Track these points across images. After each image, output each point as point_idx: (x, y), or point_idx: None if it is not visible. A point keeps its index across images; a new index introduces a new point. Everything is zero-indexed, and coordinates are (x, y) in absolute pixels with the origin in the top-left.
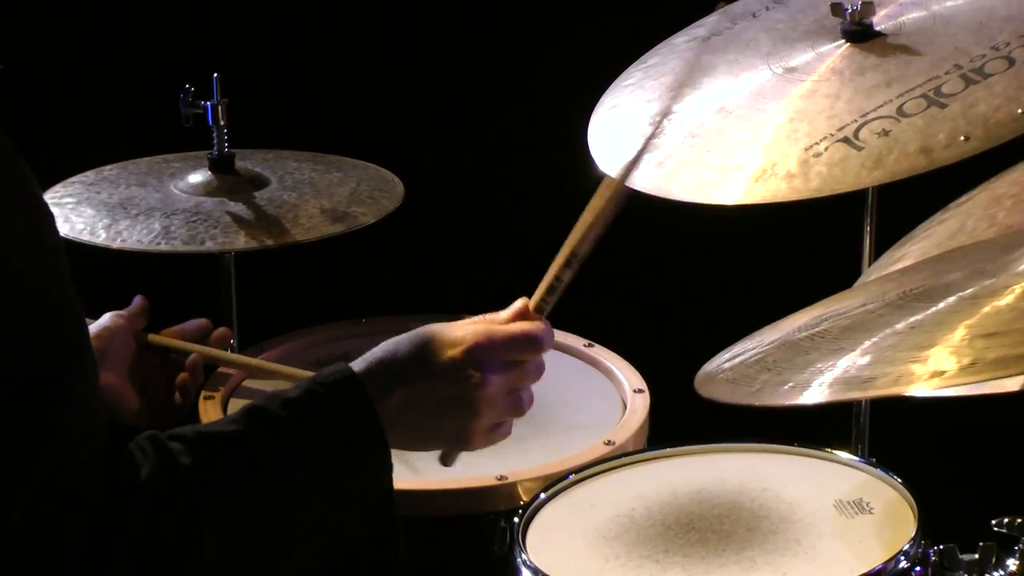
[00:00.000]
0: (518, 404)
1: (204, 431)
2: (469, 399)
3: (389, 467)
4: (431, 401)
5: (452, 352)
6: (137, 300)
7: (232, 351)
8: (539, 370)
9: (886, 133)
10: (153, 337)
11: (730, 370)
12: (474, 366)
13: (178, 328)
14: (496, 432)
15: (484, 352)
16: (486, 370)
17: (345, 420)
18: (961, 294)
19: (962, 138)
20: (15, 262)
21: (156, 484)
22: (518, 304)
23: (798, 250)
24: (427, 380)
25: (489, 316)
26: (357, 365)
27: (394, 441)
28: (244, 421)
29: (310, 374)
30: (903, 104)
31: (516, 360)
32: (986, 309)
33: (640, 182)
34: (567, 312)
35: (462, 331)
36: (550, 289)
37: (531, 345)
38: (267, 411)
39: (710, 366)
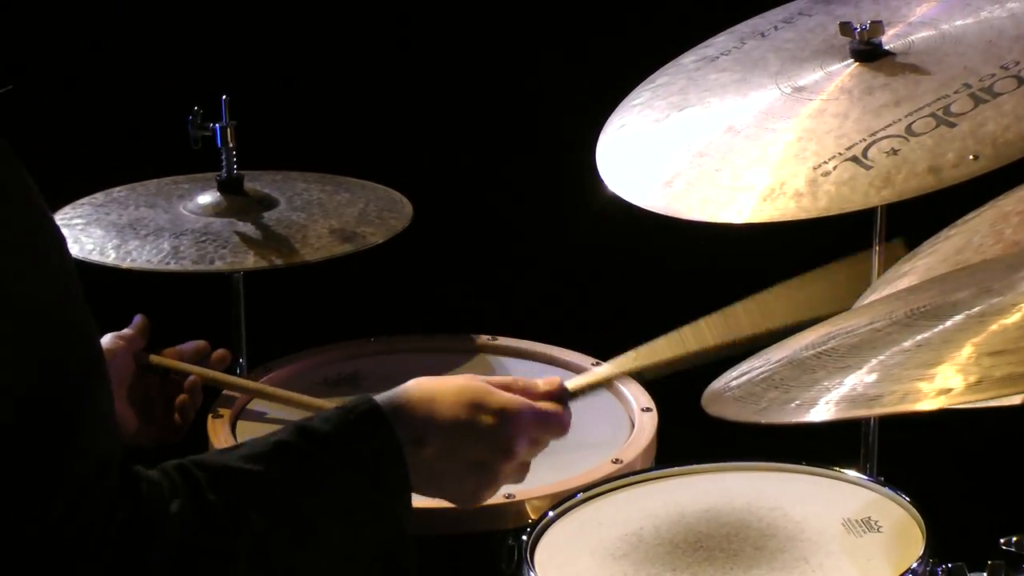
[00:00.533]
0: (523, 474)
1: (230, 466)
2: (494, 466)
3: (410, 505)
4: (461, 459)
5: (493, 420)
6: (137, 320)
7: (241, 370)
8: (546, 446)
9: (895, 152)
10: (153, 358)
11: (737, 388)
12: (509, 437)
13: (176, 349)
14: (492, 494)
15: (521, 427)
16: (517, 443)
17: (372, 459)
18: (968, 312)
19: (971, 157)
20: (25, 288)
21: (187, 518)
22: (555, 382)
23: (806, 269)
24: (464, 440)
25: (525, 383)
26: (386, 401)
27: (413, 485)
28: (270, 458)
29: (308, 399)
30: (912, 123)
31: (541, 439)
32: (993, 327)
33: (649, 201)
34: (575, 331)
35: (504, 399)
36: (595, 386)
37: (559, 431)
38: (294, 447)
39: (717, 384)
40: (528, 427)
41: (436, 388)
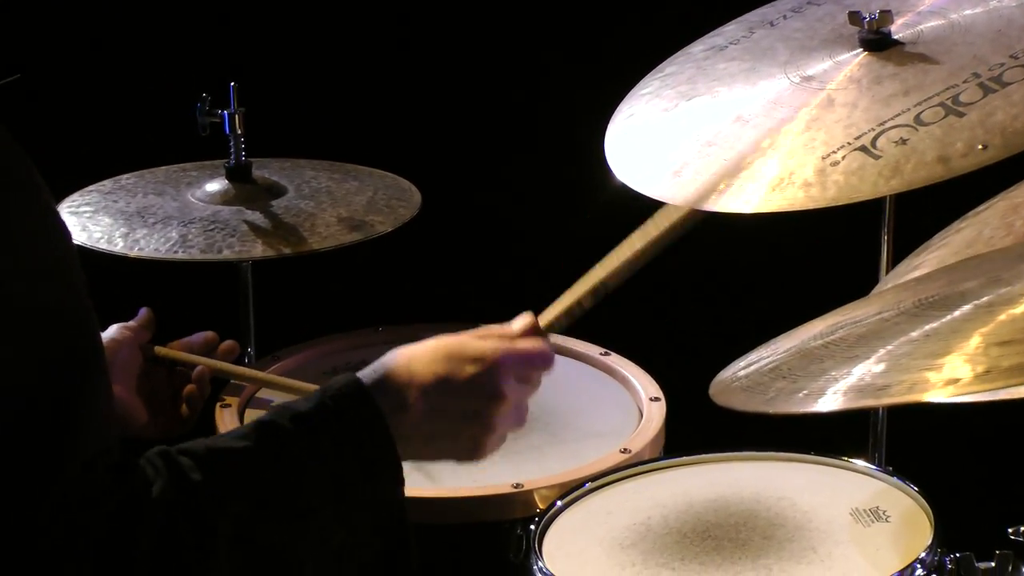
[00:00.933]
0: (521, 417)
1: (214, 446)
2: (487, 413)
3: (400, 478)
4: (451, 414)
5: (474, 368)
6: (143, 312)
7: (249, 360)
8: (539, 384)
9: (904, 142)
10: (160, 349)
11: (745, 378)
12: (494, 381)
13: (184, 341)
14: (498, 444)
15: (505, 369)
16: (504, 385)
17: (355, 432)
18: (977, 302)
19: (980, 147)
20: (25, 287)
21: (168, 500)
22: (527, 319)
23: (815, 259)
24: (449, 393)
25: (500, 328)
26: (367, 376)
27: (406, 452)
28: (253, 436)
29: (315, 387)
30: (921, 113)
31: (528, 376)
32: (1001, 317)
33: (656, 190)
34: (583, 321)
35: (482, 346)
36: (568, 312)
37: (544, 364)
38: (276, 425)
39: (725, 374)
40: (511, 367)
41: (413, 351)
